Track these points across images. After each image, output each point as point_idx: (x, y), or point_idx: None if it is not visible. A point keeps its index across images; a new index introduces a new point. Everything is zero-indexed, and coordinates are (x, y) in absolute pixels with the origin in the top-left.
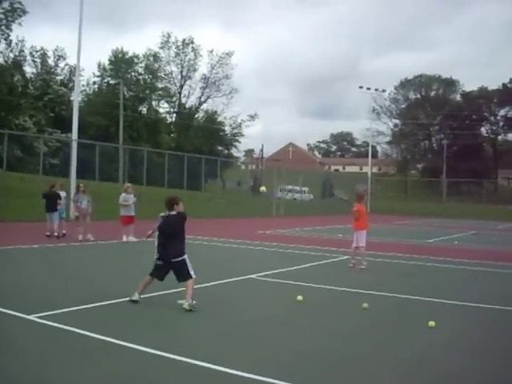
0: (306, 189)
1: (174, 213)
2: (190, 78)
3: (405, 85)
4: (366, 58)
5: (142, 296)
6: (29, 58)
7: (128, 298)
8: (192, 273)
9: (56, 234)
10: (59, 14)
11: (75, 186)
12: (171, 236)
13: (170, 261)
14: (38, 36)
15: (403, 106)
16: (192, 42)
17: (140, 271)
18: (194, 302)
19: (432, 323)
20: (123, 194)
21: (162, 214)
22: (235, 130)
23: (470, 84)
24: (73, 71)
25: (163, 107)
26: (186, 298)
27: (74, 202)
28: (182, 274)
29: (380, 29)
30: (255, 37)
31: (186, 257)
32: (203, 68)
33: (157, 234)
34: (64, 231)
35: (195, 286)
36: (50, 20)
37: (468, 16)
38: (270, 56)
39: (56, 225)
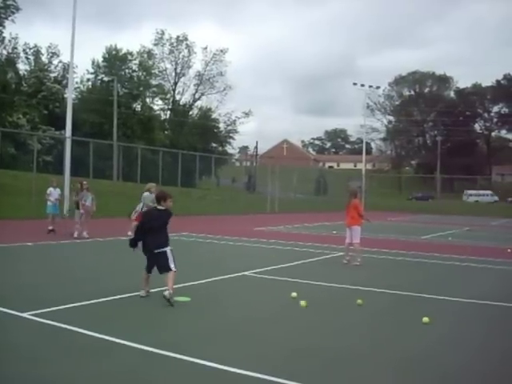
0: (489, 192)
1: (160, 207)
2: (184, 75)
3: (399, 81)
4: (361, 55)
5: (148, 289)
6: (22, 55)
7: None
8: (172, 266)
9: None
10: (53, 11)
11: (69, 183)
12: (155, 229)
13: (153, 251)
14: (32, 33)
15: (397, 103)
16: (186, 39)
17: (135, 268)
18: (175, 297)
19: (426, 319)
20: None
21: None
22: (229, 127)
23: (463, 81)
24: (66, 68)
25: (157, 104)
26: (167, 288)
27: (79, 200)
28: (163, 265)
29: (375, 26)
30: (250, 34)
31: (168, 249)
32: (197, 65)
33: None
34: (51, 227)
35: (189, 283)
36: (44, 17)
37: (462, 13)
38: (265, 53)
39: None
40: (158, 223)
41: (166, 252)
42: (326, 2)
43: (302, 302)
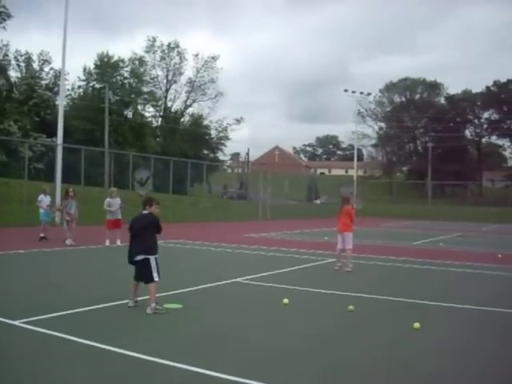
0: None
1: (145, 212)
2: (175, 81)
3: (390, 88)
4: (354, 62)
5: (136, 299)
6: (13, 62)
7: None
8: (155, 275)
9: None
10: (47, 17)
11: (60, 190)
12: (135, 234)
13: (133, 259)
14: (25, 40)
15: (388, 109)
16: (177, 46)
17: (124, 275)
18: (160, 306)
19: (417, 325)
20: (108, 199)
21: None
22: (221, 134)
23: (454, 87)
24: (58, 75)
25: (149, 111)
26: (148, 303)
27: (64, 208)
28: (145, 275)
29: (368, 34)
30: (243, 41)
31: (151, 257)
32: (189, 72)
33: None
34: (43, 235)
35: (181, 290)
36: (37, 24)
37: (453, 21)
38: (258, 60)
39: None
40: (136, 225)
41: (148, 260)
42: (318, 9)
43: (285, 300)
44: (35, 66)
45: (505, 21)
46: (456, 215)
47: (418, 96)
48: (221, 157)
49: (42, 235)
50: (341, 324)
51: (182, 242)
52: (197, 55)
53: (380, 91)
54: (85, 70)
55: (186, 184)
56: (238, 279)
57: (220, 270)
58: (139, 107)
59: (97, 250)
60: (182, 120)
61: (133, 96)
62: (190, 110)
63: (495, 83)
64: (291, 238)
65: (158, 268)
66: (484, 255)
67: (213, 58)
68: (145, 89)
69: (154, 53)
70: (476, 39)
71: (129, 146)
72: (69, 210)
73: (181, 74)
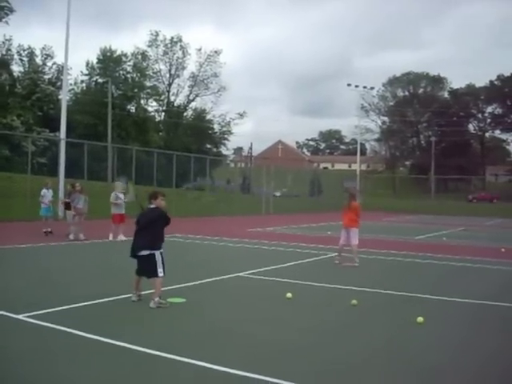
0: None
1: (151, 206)
2: (178, 76)
3: (393, 82)
4: (356, 56)
5: (139, 293)
6: (16, 56)
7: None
8: (160, 270)
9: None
10: (49, 12)
11: (64, 185)
12: (141, 228)
13: (136, 253)
14: (28, 34)
15: (391, 104)
16: (180, 41)
17: (128, 270)
18: (163, 301)
19: (420, 319)
20: (115, 193)
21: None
22: (224, 128)
23: (457, 81)
24: (61, 70)
25: (152, 106)
26: (151, 297)
27: (71, 202)
28: (148, 270)
29: (371, 28)
30: (246, 35)
31: (156, 252)
32: (192, 66)
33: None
34: (50, 229)
35: (185, 285)
36: (40, 18)
37: (456, 15)
38: (261, 54)
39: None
40: (142, 220)
41: (153, 255)
42: (321, 4)
43: (288, 294)
44: (38, 60)
45: (502, 17)
46: (459, 210)
47: (421, 90)
48: (224, 151)
49: (46, 230)
50: (344, 318)
51: (186, 236)
52: (200, 49)
53: (383, 85)
54: (88, 64)
55: (189, 178)
56: (241, 273)
57: (223, 264)
58: (142, 102)
59: (100, 245)
60: (185, 114)
61: (136, 90)
62: (192, 105)
63: (499, 77)
64: (294, 232)
65: (163, 263)
66: (487, 249)
67: (215, 52)
68: (148, 83)
69: (156, 47)
70: (479, 33)
71: (132, 141)
72: (76, 204)
73: (184, 68)
